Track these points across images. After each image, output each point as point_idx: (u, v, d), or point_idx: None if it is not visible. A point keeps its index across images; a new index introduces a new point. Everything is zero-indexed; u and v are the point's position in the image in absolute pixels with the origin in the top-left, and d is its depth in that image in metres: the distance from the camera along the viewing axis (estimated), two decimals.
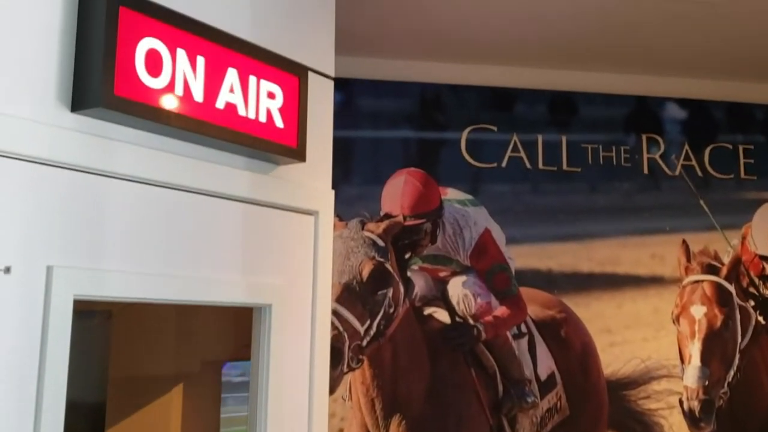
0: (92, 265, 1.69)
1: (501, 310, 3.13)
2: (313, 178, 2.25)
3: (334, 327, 2.68)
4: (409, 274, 3.06)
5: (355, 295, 2.82)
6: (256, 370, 2.13)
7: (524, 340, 3.24)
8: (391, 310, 2.89)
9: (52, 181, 1.63)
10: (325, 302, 2.30)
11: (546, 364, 3.24)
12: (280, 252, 2.18)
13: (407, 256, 3.06)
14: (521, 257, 3.33)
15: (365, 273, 2.84)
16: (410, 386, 2.96)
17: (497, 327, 3.12)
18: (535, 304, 3.31)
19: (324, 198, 2.30)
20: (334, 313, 2.71)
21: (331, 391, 2.57)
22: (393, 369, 2.93)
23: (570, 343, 3.32)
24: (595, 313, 3.40)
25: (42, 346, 1.59)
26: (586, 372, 3.32)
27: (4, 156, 1.54)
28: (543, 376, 3.22)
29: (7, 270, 1.52)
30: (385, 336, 2.89)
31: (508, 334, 3.18)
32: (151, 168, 1.79)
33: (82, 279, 1.67)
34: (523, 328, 3.25)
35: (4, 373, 1.54)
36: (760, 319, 3.48)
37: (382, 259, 2.86)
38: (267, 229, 2.14)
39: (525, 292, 3.25)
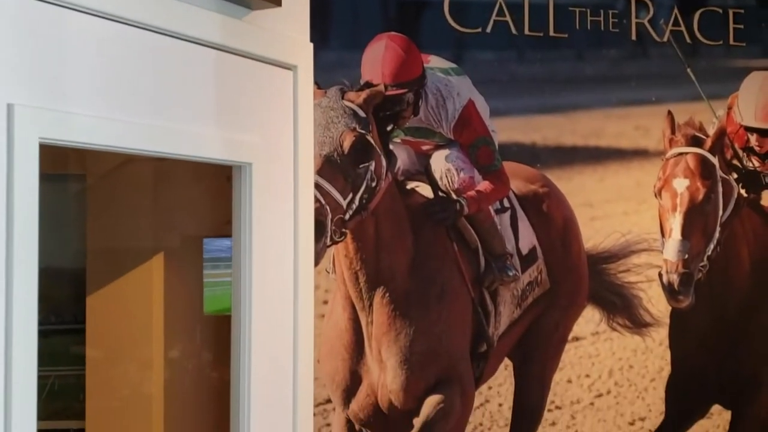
0: (56, 107, 1.49)
1: (484, 185, 2.99)
2: (290, 28, 2.04)
3: (315, 200, 2.49)
4: (391, 147, 2.90)
5: (336, 168, 2.67)
6: (239, 234, 1.95)
7: (506, 215, 3.11)
8: (374, 184, 2.75)
9: (3, 8, 1.40)
10: (308, 164, 2.13)
11: (527, 239, 3.12)
12: (258, 108, 1.99)
13: (389, 128, 2.89)
14: (505, 130, 3.15)
15: (346, 145, 2.68)
16: (393, 260, 2.85)
17: (480, 202, 2.99)
18: (518, 178, 3.14)
19: (302, 50, 2.09)
20: (316, 185, 2.51)
21: (315, 263, 2.44)
22: (376, 243, 2.81)
23: (552, 218, 3.20)
24: (576, 187, 3.28)
25: (8, 192, 1.39)
26: (567, 246, 3.21)
27: None
28: (524, 251, 3.10)
29: None
30: (368, 210, 2.75)
31: (491, 208, 3.06)
32: (112, 1, 1.57)
33: (46, 120, 1.46)
34: (506, 203, 3.10)
35: None
36: (743, 191, 3.37)
37: (363, 131, 2.70)
38: (242, 82, 1.94)
39: (508, 166, 3.08)
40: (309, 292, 2.10)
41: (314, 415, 2.92)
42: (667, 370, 3.35)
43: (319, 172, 2.61)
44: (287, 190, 2.06)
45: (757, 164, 3.42)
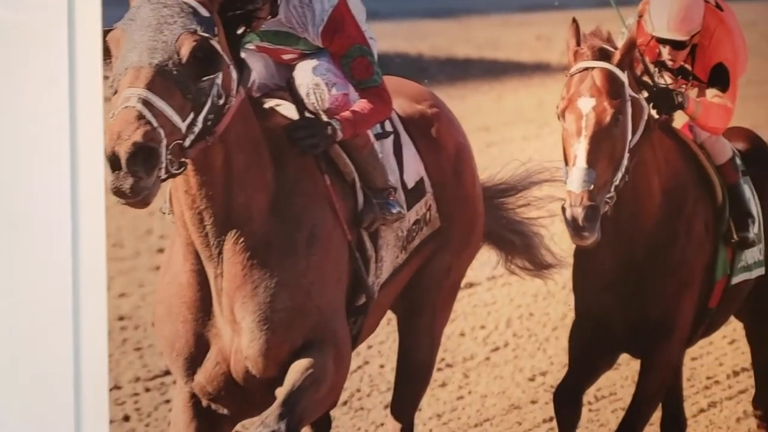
0: None
1: (361, 104, 2.63)
2: None
3: (146, 122, 2.15)
4: (243, 55, 2.47)
5: (172, 81, 2.23)
6: None
7: (389, 141, 2.75)
8: (222, 102, 2.33)
9: None
10: (93, 27, 1.56)
11: (414, 169, 2.79)
12: None
13: (240, 31, 2.45)
14: (386, 37, 2.81)
15: (185, 51, 2.24)
16: (249, 196, 2.45)
17: (356, 125, 2.62)
18: (402, 96, 2.82)
19: None
20: (146, 103, 2.17)
21: (146, 202, 2.11)
22: (226, 175, 2.40)
23: (442, 144, 2.90)
24: (471, 108, 3.03)
25: None
26: (459, 177, 2.92)
27: None
28: (410, 183, 2.79)
29: None
30: (215, 134, 2.33)
31: (370, 133, 2.70)
32: None
33: None
34: (388, 126, 2.75)
35: None
36: (653, 112, 3.02)
37: (206, 34, 2.27)
38: None
39: (390, 81, 2.74)
40: (100, 228, 1.54)
41: (148, 390, 2.64)
42: (571, 316, 3.12)
43: (150, 86, 2.19)
44: (57, 69, 1.48)
45: (669, 81, 3.15)
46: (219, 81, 2.28)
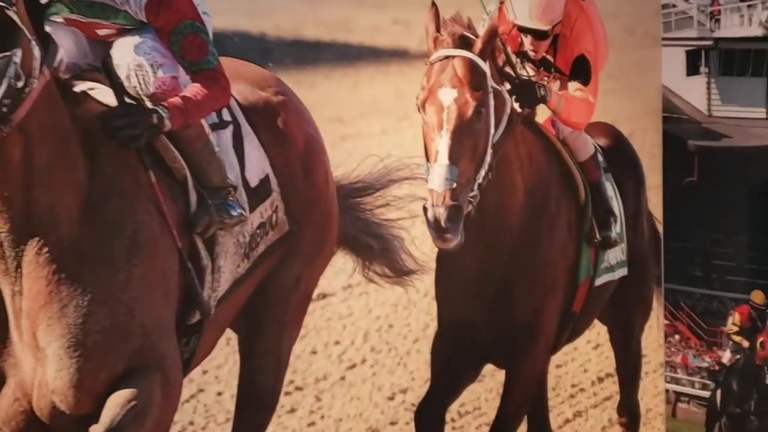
0: None
1: (193, 90, 2.40)
2: None
3: None
4: (48, 29, 2.23)
5: None
6: None
7: (227, 132, 2.55)
8: (20, 84, 2.09)
9: None
10: None
11: (258, 165, 2.60)
12: None
13: (45, 0, 2.25)
14: (222, 14, 2.60)
15: None
16: (54, 198, 2.22)
17: (188, 113, 2.39)
18: (243, 81, 2.63)
19: None
20: None
21: None
22: (26, 172, 2.17)
23: (290, 137, 2.68)
24: (323, 96, 2.87)
25: None
26: (310, 175, 2.76)
27: None
28: (253, 181, 2.59)
29: None
30: (12, 123, 2.08)
31: (204, 123, 2.49)
32: None
33: None
34: (226, 116, 2.55)
35: None
36: (516, 106, 2.90)
37: (1, 3, 2.03)
38: None
39: (228, 64, 2.52)
40: None
41: None
42: (433, 326, 3.01)
43: None
44: None
45: (532, 72, 3.07)
46: (17, 59, 2.03)
